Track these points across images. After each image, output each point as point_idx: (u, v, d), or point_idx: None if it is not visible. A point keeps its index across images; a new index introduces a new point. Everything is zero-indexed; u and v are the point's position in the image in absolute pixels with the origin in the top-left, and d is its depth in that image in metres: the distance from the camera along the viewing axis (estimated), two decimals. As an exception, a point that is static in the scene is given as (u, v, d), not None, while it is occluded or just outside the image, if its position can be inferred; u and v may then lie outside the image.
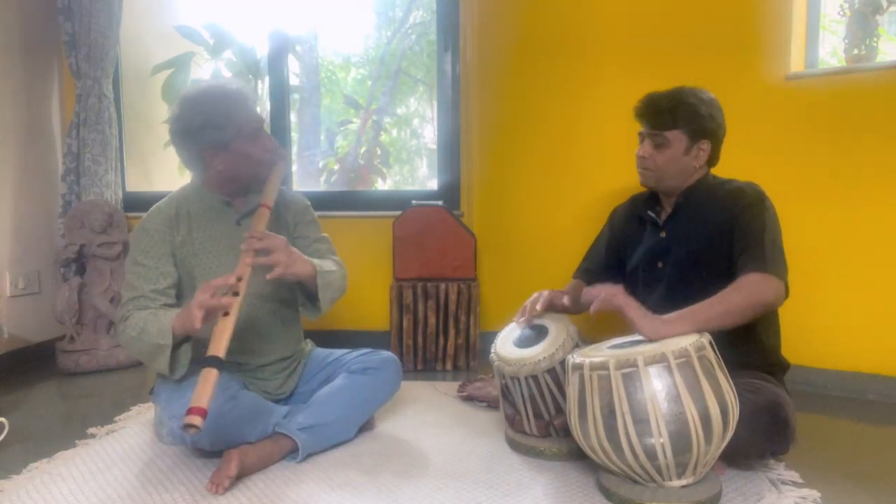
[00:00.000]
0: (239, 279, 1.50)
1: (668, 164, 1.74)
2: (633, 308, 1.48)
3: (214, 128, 1.62)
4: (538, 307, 1.74)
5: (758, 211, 1.63)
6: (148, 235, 1.67)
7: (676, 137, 1.72)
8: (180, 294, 1.71)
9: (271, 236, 1.58)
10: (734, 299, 1.50)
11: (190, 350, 1.58)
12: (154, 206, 1.73)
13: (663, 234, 1.80)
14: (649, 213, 1.84)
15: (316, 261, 1.69)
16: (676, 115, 1.71)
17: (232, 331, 1.45)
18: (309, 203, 1.92)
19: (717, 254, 1.66)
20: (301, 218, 1.87)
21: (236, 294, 1.48)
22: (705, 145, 1.74)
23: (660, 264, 1.79)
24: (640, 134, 1.80)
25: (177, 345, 1.55)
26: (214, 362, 1.39)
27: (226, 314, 1.45)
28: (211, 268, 1.70)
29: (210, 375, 1.37)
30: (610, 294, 1.50)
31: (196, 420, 1.31)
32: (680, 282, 1.72)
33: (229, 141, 1.64)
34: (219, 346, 1.41)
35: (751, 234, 1.60)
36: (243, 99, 1.69)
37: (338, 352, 1.93)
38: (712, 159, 1.79)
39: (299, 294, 1.78)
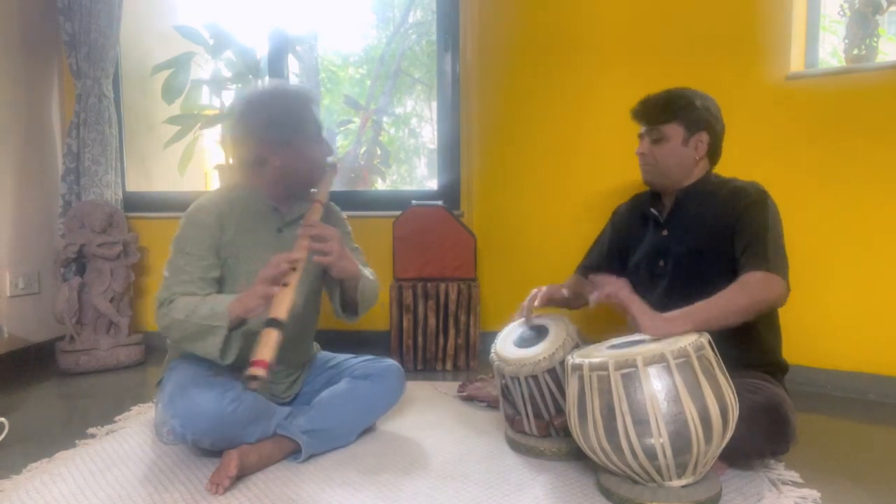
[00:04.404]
0: (296, 260, 1.52)
1: (668, 157, 1.76)
2: (636, 304, 1.48)
3: (279, 125, 1.67)
4: (536, 303, 1.76)
5: (760, 209, 1.64)
6: (198, 228, 1.66)
7: (673, 130, 1.75)
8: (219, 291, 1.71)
9: (327, 227, 1.63)
10: (736, 298, 1.50)
11: (241, 338, 1.57)
12: (203, 198, 1.73)
13: (665, 233, 1.81)
14: (652, 210, 1.85)
15: (360, 266, 1.76)
16: (670, 108, 1.76)
17: (292, 300, 1.46)
18: (343, 214, 1.98)
19: (719, 251, 1.66)
20: (337, 229, 1.88)
21: (294, 269, 1.51)
22: (704, 137, 1.76)
23: (661, 262, 1.80)
24: (640, 135, 1.84)
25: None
26: (276, 324, 1.41)
27: (285, 285, 1.47)
28: (249, 271, 1.70)
29: (272, 333, 1.38)
30: (616, 287, 1.50)
31: (260, 371, 1.32)
32: (681, 279, 1.73)
33: (291, 139, 1.68)
34: (280, 308, 1.43)
35: (753, 232, 1.61)
36: (308, 101, 1.74)
37: (340, 356, 1.94)
38: (713, 155, 1.80)
39: (338, 298, 1.81)
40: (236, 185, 1.78)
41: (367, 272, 1.84)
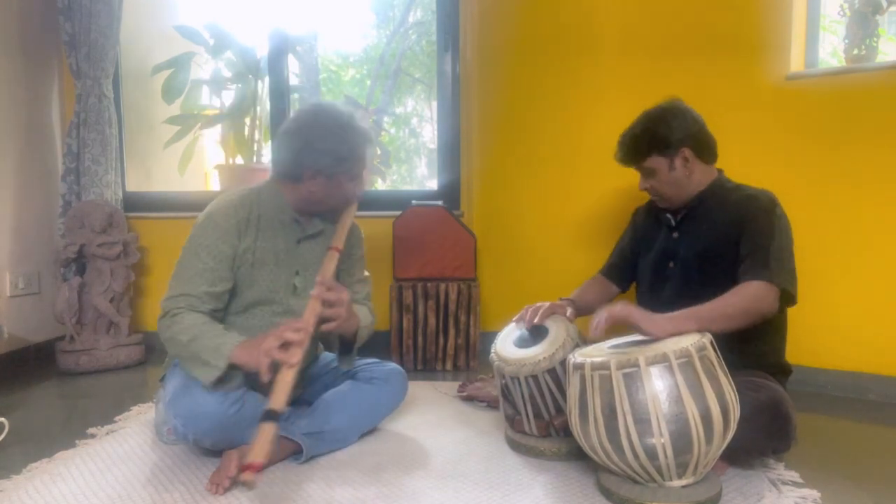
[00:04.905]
0: (306, 330, 1.48)
1: (665, 186, 1.80)
2: (635, 313, 1.49)
3: (334, 158, 1.63)
4: (536, 319, 1.74)
5: (768, 218, 1.65)
6: (217, 232, 1.62)
7: (654, 162, 1.78)
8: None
9: (340, 290, 1.59)
10: (734, 304, 1.52)
11: (241, 376, 1.55)
12: (225, 199, 1.68)
13: (675, 235, 1.83)
14: (665, 214, 1.87)
15: (361, 317, 1.73)
16: (638, 146, 1.80)
17: (293, 383, 1.43)
18: (363, 234, 1.94)
19: (725, 256, 1.67)
20: (354, 251, 1.88)
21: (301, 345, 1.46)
22: (685, 153, 1.76)
23: (670, 264, 1.82)
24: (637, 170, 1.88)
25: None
26: (274, 417, 1.36)
27: (291, 366, 1.43)
28: (263, 281, 1.69)
29: (269, 430, 1.35)
30: (608, 310, 1.51)
31: (251, 478, 1.28)
32: (688, 282, 1.75)
33: (336, 174, 1.65)
34: (279, 399, 1.38)
35: (758, 240, 1.62)
36: (369, 142, 1.70)
37: None
38: (706, 156, 1.80)
39: (335, 343, 1.79)
40: (263, 187, 1.74)
41: (365, 312, 1.81)
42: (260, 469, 1.30)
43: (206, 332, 1.53)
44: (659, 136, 1.76)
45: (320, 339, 1.82)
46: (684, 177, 1.77)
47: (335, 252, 1.66)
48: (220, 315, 1.67)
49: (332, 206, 1.74)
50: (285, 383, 1.40)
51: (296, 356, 1.43)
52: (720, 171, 1.84)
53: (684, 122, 1.76)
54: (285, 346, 1.44)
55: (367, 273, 1.94)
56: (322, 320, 1.56)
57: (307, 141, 1.63)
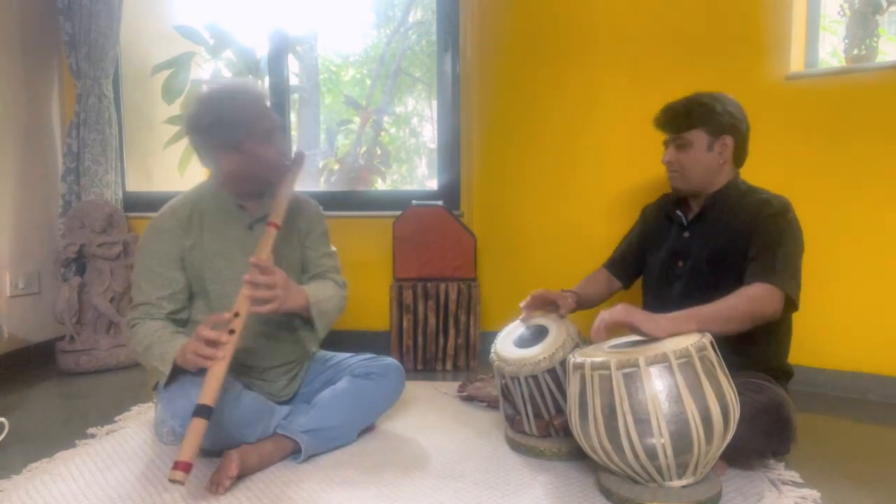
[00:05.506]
0: (237, 315, 1.49)
1: (693, 164, 1.78)
2: (635, 314, 1.48)
3: (224, 126, 1.61)
4: (522, 304, 1.77)
5: (778, 222, 1.65)
6: (159, 237, 1.66)
7: (696, 137, 1.77)
8: (192, 295, 1.71)
9: (273, 271, 1.56)
10: (737, 306, 1.52)
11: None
12: (168, 204, 1.72)
13: (687, 235, 1.83)
14: (677, 212, 1.87)
15: (310, 290, 1.69)
16: (692, 115, 1.77)
17: (224, 376, 1.43)
18: (322, 210, 1.92)
19: (735, 258, 1.68)
20: (314, 227, 1.86)
21: (232, 332, 1.46)
22: (728, 140, 1.77)
23: (680, 263, 1.82)
24: (665, 143, 1.85)
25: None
26: (204, 412, 1.37)
27: (217, 360, 1.43)
28: (221, 271, 1.69)
29: (198, 426, 1.36)
30: (608, 314, 1.50)
31: (179, 476, 1.30)
32: (697, 282, 1.75)
33: (239, 141, 1.63)
34: (209, 393, 1.39)
35: (766, 244, 1.62)
36: (256, 98, 1.67)
37: (340, 355, 1.93)
38: (738, 157, 1.82)
39: (297, 319, 1.78)
40: (203, 184, 1.77)
41: (328, 287, 1.78)
42: (188, 469, 1.31)
43: (156, 341, 1.58)
44: (714, 112, 1.76)
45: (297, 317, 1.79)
46: (716, 164, 1.77)
47: (273, 228, 1.63)
48: (185, 314, 1.70)
49: (261, 178, 1.70)
50: (214, 378, 1.42)
51: (222, 350, 1.44)
52: (737, 173, 1.85)
53: (738, 114, 1.79)
54: (211, 342, 1.45)
55: (332, 248, 1.91)
56: (259, 303, 1.54)
57: (196, 126, 1.64)
